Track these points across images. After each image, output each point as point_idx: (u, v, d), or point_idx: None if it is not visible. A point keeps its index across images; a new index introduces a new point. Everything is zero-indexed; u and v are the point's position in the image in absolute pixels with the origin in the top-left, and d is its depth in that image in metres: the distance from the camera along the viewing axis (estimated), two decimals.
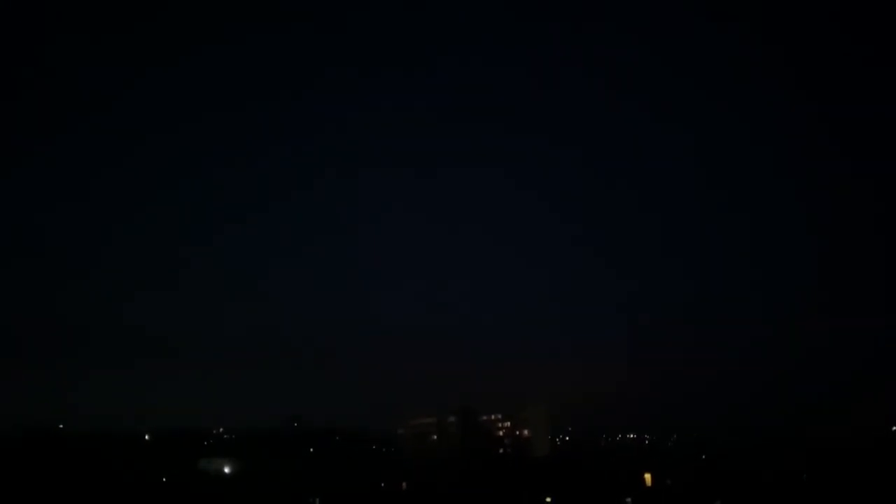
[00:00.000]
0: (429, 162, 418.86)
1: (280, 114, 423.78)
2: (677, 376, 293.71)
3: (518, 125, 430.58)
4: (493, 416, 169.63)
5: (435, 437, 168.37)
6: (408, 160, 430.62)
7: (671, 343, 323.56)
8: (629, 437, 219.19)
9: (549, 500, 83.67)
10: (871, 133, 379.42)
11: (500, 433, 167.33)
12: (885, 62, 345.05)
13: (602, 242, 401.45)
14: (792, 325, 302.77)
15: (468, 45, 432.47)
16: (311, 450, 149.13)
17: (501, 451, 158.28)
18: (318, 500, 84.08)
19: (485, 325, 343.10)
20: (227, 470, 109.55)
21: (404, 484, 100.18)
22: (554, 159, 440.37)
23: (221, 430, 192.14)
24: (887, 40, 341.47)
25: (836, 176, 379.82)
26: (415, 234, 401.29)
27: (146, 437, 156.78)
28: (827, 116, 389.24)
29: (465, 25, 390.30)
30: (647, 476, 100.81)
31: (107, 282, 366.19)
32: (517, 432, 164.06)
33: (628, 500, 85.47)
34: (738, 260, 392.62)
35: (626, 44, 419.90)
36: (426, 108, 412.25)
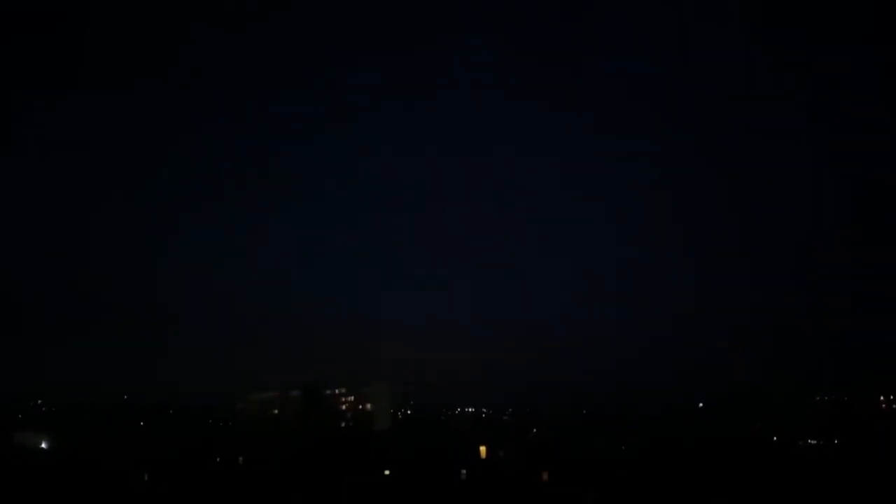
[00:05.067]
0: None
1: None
2: (517, 355, 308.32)
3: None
4: (337, 391, 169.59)
5: (277, 411, 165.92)
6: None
7: (508, 321, 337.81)
8: (468, 411, 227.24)
9: (387, 472, 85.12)
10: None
11: (344, 407, 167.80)
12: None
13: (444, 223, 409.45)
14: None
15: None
16: (142, 424, 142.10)
17: (343, 424, 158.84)
18: (146, 475, 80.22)
19: (335, 302, 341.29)
20: (44, 445, 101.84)
21: (241, 458, 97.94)
22: None
23: (39, 402, 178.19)
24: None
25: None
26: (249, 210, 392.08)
27: None
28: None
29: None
30: (483, 449, 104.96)
31: None
32: (360, 406, 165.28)
33: (463, 471, 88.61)
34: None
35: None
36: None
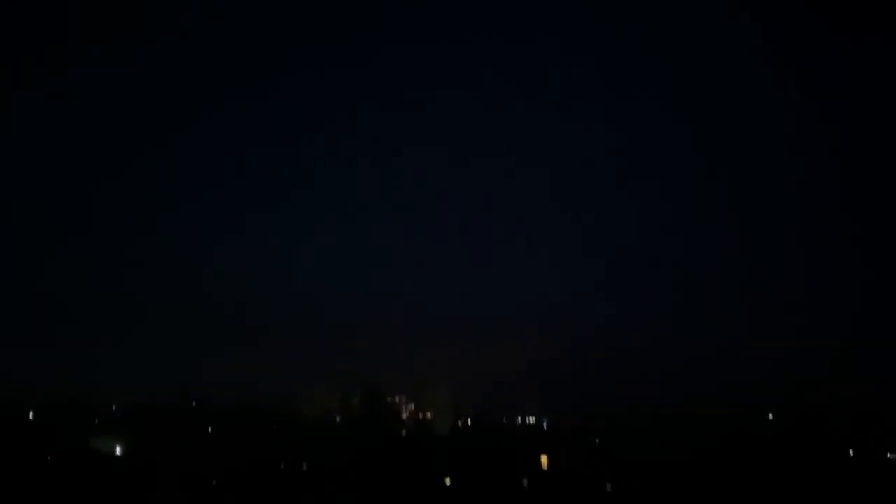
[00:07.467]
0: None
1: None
2: (580, 361, 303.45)
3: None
4: (397, 397, 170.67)
5: (338, 417, 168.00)
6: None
7: (576, 328, 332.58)
8: (529, 419, 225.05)
9: (448, 480, 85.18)
10: None
11: (404, 414, 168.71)
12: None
13: (515, 231, 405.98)
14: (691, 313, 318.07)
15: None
16: (210, 429, 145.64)
17: (404, 431, 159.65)
18: (216, 480, 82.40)
19: (395, 306, 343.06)
20: (119, 449, 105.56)
21: (304, 464, 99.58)
22: None
23: (113, 407, 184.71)
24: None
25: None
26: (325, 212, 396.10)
27: (30, 413, 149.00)
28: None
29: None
30: (544, 458, 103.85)
31: None
32: (420, 414, 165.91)
33: (525, 481, 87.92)
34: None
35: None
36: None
